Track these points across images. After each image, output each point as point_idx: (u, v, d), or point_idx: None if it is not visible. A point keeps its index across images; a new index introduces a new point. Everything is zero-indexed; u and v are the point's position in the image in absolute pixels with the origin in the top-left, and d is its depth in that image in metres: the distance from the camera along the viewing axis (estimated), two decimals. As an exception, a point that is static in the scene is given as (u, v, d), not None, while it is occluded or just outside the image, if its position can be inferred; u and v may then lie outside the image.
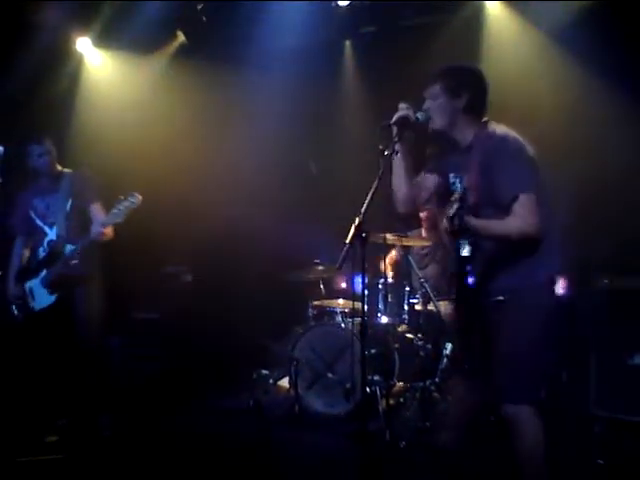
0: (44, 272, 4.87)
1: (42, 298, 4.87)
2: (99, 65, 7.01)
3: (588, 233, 5.37)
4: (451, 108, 3.42)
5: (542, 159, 3.38)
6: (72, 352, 4.81)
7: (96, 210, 4.90)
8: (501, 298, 3.34)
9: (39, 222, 4.99)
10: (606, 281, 4.99)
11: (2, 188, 4.57)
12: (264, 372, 6.10)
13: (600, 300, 5.01)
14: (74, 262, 4.74)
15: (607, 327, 4.92)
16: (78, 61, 6.90)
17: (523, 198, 3.21)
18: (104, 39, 6.87)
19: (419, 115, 3.42)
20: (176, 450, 4.75)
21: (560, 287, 5.37)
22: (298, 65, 6.50)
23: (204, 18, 6.77)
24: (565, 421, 4.95)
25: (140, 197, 4.62)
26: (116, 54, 7.00)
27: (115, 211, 4.57)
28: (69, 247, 4.76)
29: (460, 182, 3.46)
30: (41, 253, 4.94)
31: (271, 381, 6.03)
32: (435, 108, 3.43)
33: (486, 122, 3.46)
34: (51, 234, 4.92)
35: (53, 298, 4.84)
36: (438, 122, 3.44)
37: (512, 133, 3.37)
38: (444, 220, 3.20)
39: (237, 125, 6.91)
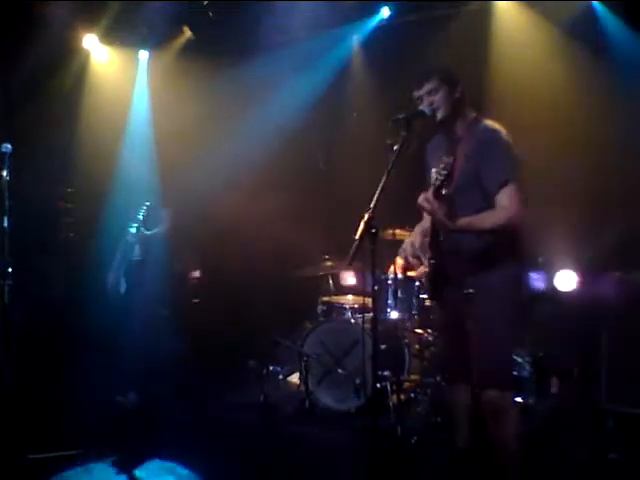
0: (124, 264, 5.48)
1: (122, 285, 5.48)
2: (106, 62, 6.99)
3: (601, 226, 5.35)
4: (452, 98, 3.55)
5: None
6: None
7: (166, 215, 5.41)
8: (471, 291, 3.47)
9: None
10: (618, 274, 4.96)
11: (10, 185, 4.56)
12: (274, 367, 6.10)
13: (612, 294, 4.98)
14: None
15: (619, 321, 4.89)
16: (85, 58, 6.88)
17: (510, 187, 3.37)
18: (111, 36, 6.85)
19: (425, 109, 3.50)
20: (185, 446, 4.74)
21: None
22: (306, 58, 6.47)
23: (211, 14, 6.75)
24: (577, 416, 4.94)
25: None
26: (123, 51, 6.99)
27: None
28: (137, 252, 5.36)
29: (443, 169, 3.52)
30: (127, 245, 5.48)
31: (281, 377, 6.02)
32: (439, 100, 3.53)
33: (477, 117, 3.61)
34: (131, 231, 5.43)
35: (125, 287, 5.45)
36: (445, 111, 3.53)
37: (500, 128, 3.52)
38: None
39: (245, 120, 6.88)
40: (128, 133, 6.68)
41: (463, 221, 3.39)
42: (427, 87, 3.53)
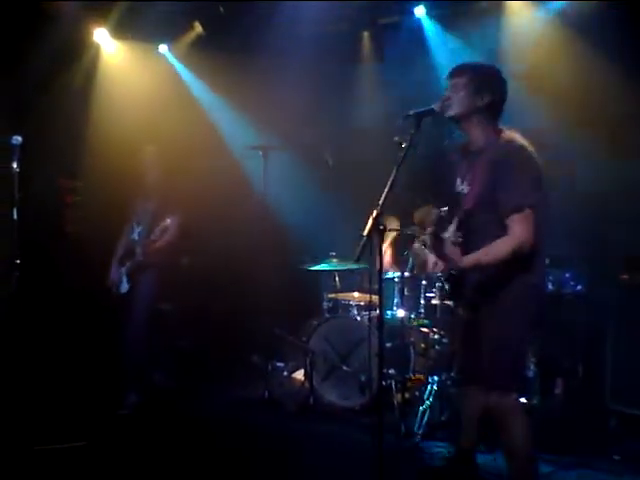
0: (128, 264, 5.52)
1: (124, 284, 5.54)
2: (116, 56, 7.00)
3: (607, 228, 5.33)
4: (470, 104, 3.48)
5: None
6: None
7: (172, 223, 5.35)
8: (491, 306, 3.48)
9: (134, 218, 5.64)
10: (625, 276, 4.95)
11: (20, 178, 4.59)
12: (279, 364, 6.11)
13: (618, 295, 4.97)
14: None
15: (624, 322, 4.89)
16: (95, 52, 6.90)
17: (520, 215, 3.30)
18: (121, 30, 6.87)
19: (434, 106, 3.45)
20: (189, 441, 4.76)
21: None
22: (316, 55, 6.45)
23: (221, 8, 6.75)
24: (581, 416, 4.93)
25: None
26: (133, 45, 7.00)
27: None
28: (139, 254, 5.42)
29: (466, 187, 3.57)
30: (130, 246, 5.56)
31: (286, 373, 6.03)
32: (456, 99, 3.49)
33: (501, 129, 3.52)
34: (135, 232, 5.57)
35: (128, 287, 5.52)
36: (454, 109, 3.50)
37: (523, 142, 3.42)
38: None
39: (253, 116, 6.89)
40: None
41: (470, 261, 3.39)
42: (454, 81, 3.50)
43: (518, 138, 3.45)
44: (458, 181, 3.65)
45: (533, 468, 3.56)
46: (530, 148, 3.42)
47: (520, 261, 3.38)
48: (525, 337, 3.66)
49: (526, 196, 3.31)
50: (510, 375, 3.53)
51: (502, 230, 3.35)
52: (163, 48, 7.16)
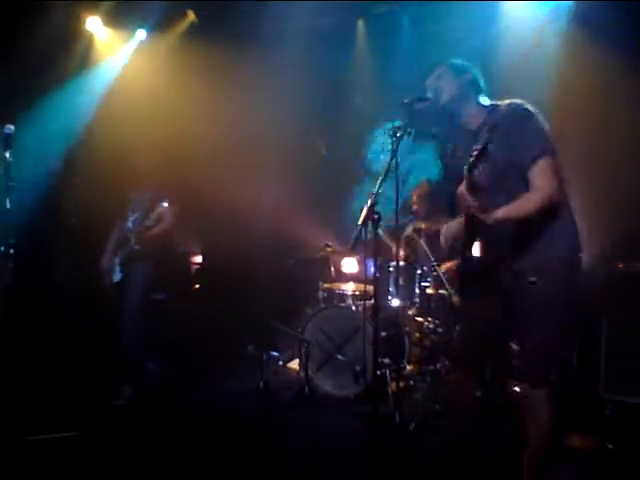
0: (121, 252, 5.50)
1: (117, 274, 5.53)
2: (109, 44, 6.96)
3: (604, 215, 5.32)
4: (458, 82, 3.47)
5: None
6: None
7: (168, 211, 5.36)
8: (533, 279, 3.21)
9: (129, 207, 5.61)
10: (620, 265, 4.95)
11: (14, 167, 4.56)
12: (274, 354, 6.11)
13: (613, 283, 4.97)
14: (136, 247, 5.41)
15: (619, 310, 4.89)
16: (88, 40, 6.86)
17: (541, 163, 3.18)
18: (114, 18, 6.83)
19: (429, 94, 3.45)
20: (185, 430, 4.76)
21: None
22: (310, 44, 6.42)
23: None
24: (575, 404, 4.94)
25: None
26: (126, 33, 6.96)
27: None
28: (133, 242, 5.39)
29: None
30: (124, 234, 5.53)
31: (281, 363, 6.04)
32: (443, 85, 3.48)
33: (495, 103, 3.48)
34: (130, 220, 5.53)
35: (120, 276, 5.49)
36: (447, 94, 3.48)
37: (522, 101, 3.36)
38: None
39: (247, 105, 6.87)
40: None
41: (500, 214, 3.17)
42: (436, 73, 3.51)
43: (516, 100, 3.39)
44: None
45: (547, 464, 3.47)
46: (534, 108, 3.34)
47: (560, 230, 3.26)
48: (563, 328, 3.44)
49: (542, 144, 3.23)
50: (545, 369, 3.37)
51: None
52: (141, 34, 7.10)
